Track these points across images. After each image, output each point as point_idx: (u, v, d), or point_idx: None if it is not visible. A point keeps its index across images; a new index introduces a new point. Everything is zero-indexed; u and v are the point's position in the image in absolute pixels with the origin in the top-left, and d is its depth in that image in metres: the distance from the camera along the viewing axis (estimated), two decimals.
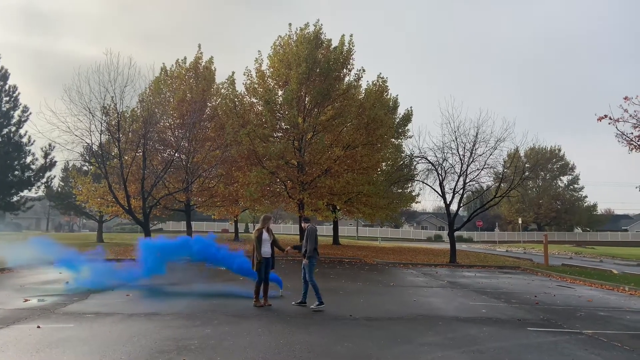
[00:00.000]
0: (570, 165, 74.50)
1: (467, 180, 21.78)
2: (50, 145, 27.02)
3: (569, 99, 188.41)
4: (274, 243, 9.20)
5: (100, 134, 19.26)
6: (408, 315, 8.36)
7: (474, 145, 21.42)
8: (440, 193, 22.01)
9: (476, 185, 22.43)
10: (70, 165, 33.91)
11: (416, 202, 32.99)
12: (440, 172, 21.79)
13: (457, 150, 21.46)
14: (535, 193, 72.41)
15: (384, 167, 29.81)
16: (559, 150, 74.13)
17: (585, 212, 71.92)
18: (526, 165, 50.66)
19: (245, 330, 6.80)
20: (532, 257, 26.85)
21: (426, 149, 26.51)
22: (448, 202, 21.93)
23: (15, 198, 27.38)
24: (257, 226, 9.20)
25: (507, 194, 22.10)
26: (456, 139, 21.49)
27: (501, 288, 13.04)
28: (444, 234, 66.94)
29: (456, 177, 21.86)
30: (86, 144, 19.71)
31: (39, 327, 6.80)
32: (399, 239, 65.55)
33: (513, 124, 51.20)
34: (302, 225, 8.80)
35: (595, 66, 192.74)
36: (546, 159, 71.53)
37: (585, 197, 74.38)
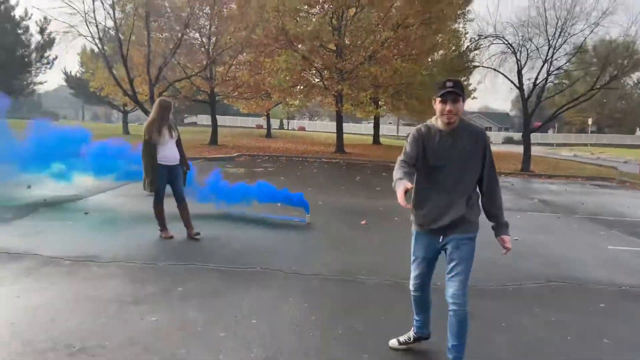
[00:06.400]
0: None
1: (553, 69, 17.09)
2: (46, 18, 23.33)
3: None
4: (179, 146, 5.73)
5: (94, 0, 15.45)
6: (523, 276, 4.90)
7: (565, 22, 16.40)
8: (517, 84, 17.52)
9: (563, 73, 17.74)
10: (88, 48, 30.60)
11: (472, 98, 28.48)
12: (519, 57, 17.10)
13: (545, 27, 16.52)
14: (601, 92, 64.77)
15: (437, 57, 25.01)
16: (633, 43, 64.51)
17: None
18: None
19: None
20: (614, 165, 22.51)
21: (505, 26, 21.03)
22: (526, 96, 17.49)
23: (23, 81, 24.26)
24: (150, 116, 5.64)
25: (609, 84, 17.39)
26: (545, 12, 16.44)
27: (626, 215, 9.21)
28: (491, 134, 62.05)
29: (538, 64, 17.16)
30: (81, 15, 16.02)
31: None
32: None
33: None
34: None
35: None
36: (617, 53, 62.72)
37: None
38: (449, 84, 2.61)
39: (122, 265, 4.59)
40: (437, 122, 2.75)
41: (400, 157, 2.74)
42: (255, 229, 6.33)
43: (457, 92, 2.60)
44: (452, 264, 2.75)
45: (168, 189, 5.69)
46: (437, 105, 2.67)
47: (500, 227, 2.83)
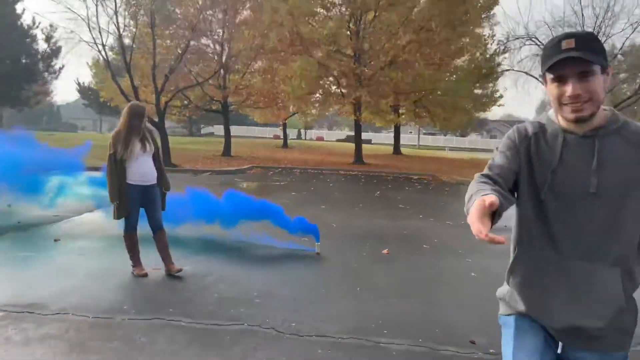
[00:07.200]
0: None
1: None
2: (52, 26, 22.63)
3: None
4: (156, 161, 4.68)
5: (97, 5, 14.69)
6: None
7: (603, 21, 15.03)
8: None
9: None
10: (101, 58, 30.11)
11: (499, 105, 26.93)
12: None
13: (582, 27, 15.17)
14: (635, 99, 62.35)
15: (460, 63, 23.74)
16: None
17: None
18: None
19: None
20: None
21: (538, 25, 19.56)
22: None
23: (26, 92, 23.48)
24: (118, 125, 4.60)
25: None
26: (582, 10, 15.12)
27: None
28: None
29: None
30: (84, 20, 15.29)
31: None
32: (466, 148, 59.15)
33: None
34: None
35: None
36: None
37: None
38: (566, 43, 1.30)
39: (68, 319, 3.48)
40: (557, 117, 1.44)
41: (482, 172, 1.43)
42: (251, 263, 5.18)
43: (586, 58, 1.28)
44: None
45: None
46: (550, 88, 1.37)
47: None
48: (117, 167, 4.34)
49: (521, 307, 1.47)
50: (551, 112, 1.45)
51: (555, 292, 1.39)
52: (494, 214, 1.14)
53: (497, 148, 1.50)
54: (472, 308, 4.01)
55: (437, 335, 3.43)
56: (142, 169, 4.48)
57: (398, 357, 3.12)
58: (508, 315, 1.52)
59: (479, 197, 1.17)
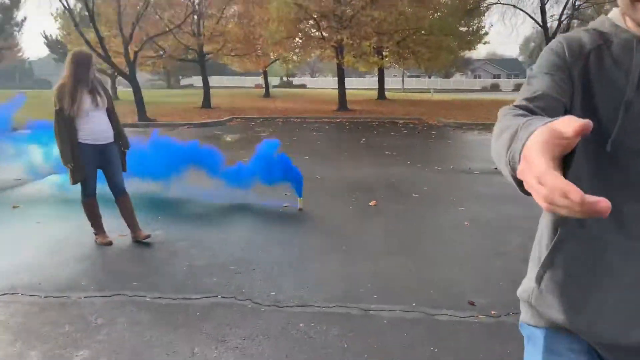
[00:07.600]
0: None
1: (580, 3, 14.99)
2: None
3: None
4: (112, 116, 4.12)
5: None
6: None
7: None
8: (540, 23, 15.45)
9: (590, 9, 15.63)
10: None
11: (484, 43, 26.07)
12: None
13: None
14: None
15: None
16: None
17: None
18: None
19: None
20: None
21: None
22: (550, 35, 15.45)
23: None
24: (61, 77, 4.01)
25: None
26: None
27: None
28: (501, 82, 59.50)
29: None
30: None
31: None
32: (451, 90, 58.25)
33: None
34: None
35: None
36: None
37: None
38: None
39: (17, 301, 3.07)
40: (625, 21, 0.90)
41: (514, 104, 0.84)
42: (227, 225, 4.75)
43: None
44: None
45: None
46: None
47: None
48: (66, 125, 3.81)
49: (558, 315, 0.97)
50: (614, 14, 0.93)
51: (618, 293, 0.92)
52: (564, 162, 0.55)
53: (531, 69, 0.96)
54: (468, 263, 3.69)
55: (432, 298, 3.10)
56: (95, 126, 3.95)
57: (389, 326, 2.78)
58: (535, 327, 1.04)
59: (538, 127, 0.57)
